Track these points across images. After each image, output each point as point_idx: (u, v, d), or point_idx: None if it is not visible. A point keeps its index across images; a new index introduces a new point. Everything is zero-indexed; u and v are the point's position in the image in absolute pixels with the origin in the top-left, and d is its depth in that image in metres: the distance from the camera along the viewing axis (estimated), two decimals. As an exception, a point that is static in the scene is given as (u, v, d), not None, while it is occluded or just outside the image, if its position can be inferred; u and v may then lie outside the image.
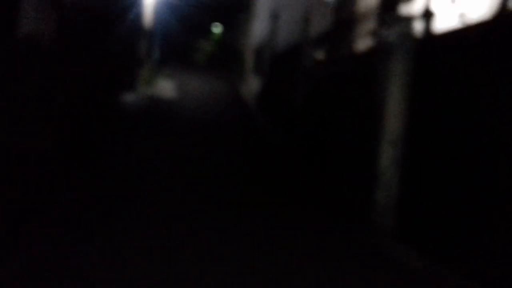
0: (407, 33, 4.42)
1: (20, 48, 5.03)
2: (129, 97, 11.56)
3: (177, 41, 23.05)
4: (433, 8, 4.95)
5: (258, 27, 14.37)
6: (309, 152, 6.70)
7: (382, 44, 4.67)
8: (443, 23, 4.84)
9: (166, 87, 14.98)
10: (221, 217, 4.49)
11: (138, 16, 12.29)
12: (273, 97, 10.44)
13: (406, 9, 5.96)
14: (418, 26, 4.67)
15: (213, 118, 11.21)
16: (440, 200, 4.07)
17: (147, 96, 12.63)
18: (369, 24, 6.91)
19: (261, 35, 13.43)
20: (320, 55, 8.10)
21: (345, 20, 7.71)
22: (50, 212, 4.00)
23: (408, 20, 4.42)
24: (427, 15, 4.74)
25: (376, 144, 4.59)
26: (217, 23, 30.45)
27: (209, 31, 30.76)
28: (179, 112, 11.28)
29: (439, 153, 4.19)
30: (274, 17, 11.40)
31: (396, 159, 4.53)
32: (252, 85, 14.59)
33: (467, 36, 4.19)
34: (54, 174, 4.90)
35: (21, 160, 4.37)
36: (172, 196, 4.94)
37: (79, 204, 4.30)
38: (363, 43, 6.79)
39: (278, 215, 4.86)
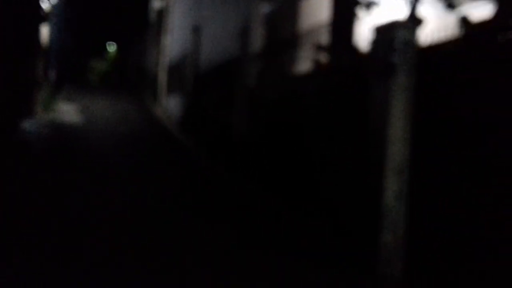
0: (409, 42, 3.76)
1: None
2: (28, 124, 9.85)
3: (71, 61, 21.27)
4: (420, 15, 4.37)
5: (173, 43, 13.27)
6: (277, 185, 5.80)
7: (374, 57, 3.97)
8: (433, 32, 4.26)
9: (67, 110, 13.34)
10: None
11: (36, 31, 10.63)
12: (202, 118, 9.43)
13: (368, 21, 5.37)
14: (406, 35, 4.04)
15: (132, 144, 9.88)
16: (456, 241, 3.43)
17: (48, 122, 10.96)
18: (321, 38, 6.24)
19: (178, 52, 12.36)
20: (263, 73, 7.29)
21: (290, 33, 7.00)
22: None
23: (411, 26, 3.77)
24: (416, 22, 4.12)
25: (377, 175, 3.84)
26: (112, 42, 28.52)
27: (105, 50, 28.76)
28: (90, 140, 9.77)
29: (452, 182, 3.56)
30: (197, 30, 10.42)
31: (403, 191, 3.81)
32: (168, 106, 13.40)
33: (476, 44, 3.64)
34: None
35: None
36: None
37: None
38: (321, 59, 6.10)
39: (254, 267, 3.89)
